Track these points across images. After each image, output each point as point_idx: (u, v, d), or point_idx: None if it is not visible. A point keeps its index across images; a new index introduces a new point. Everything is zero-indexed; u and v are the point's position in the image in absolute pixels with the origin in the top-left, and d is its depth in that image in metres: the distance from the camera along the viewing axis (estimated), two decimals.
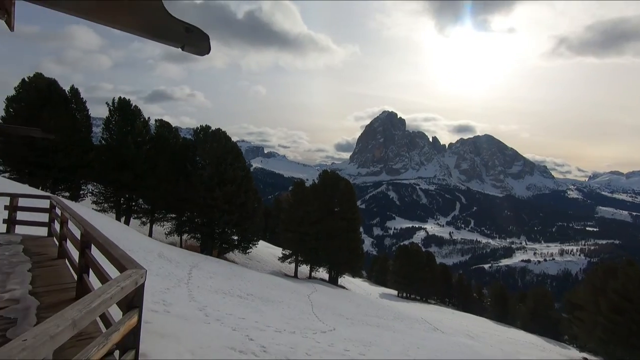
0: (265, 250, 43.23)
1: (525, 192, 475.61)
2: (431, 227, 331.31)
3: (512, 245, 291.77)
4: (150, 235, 30.17)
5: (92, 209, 28.09)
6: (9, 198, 7.76)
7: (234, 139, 36.42)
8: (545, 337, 40.21)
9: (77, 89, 32.20)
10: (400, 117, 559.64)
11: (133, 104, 32.63)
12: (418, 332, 18.84)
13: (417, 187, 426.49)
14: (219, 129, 34.76)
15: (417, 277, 51.84)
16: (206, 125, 35.21)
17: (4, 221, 7.77)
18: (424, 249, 68.18)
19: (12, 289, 4.18)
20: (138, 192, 31.21)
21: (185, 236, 33.31)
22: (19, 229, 7.90)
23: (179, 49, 1.61)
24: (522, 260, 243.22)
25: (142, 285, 2.47)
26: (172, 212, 32.55)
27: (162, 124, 35.24)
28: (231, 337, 7.90)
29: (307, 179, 73.74)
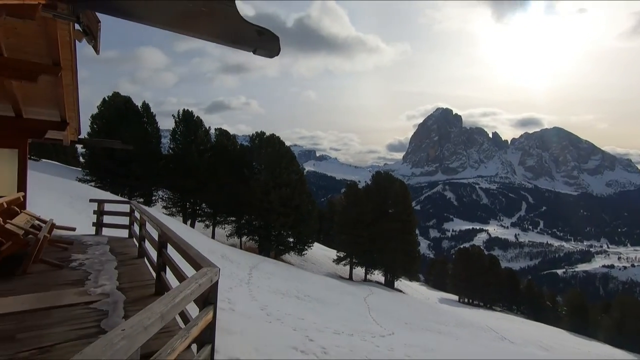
0: (320, 252, 43.68)
1: (605, 189, 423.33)
2: (494, 229, 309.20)
3: (591, 249, 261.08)
4: (213, 237, 32.09)
5: (163, 213, 30.63)
6: (97, 204, 8.75)
7: (287, 143, 37.45)
8: (635, 353, 35.35)
9: (147, 104, 35.46)
10: (456, 114, 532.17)
11: (195, 115, 35.09)
12: (483, 341, 17.64)
13: (477, 186, 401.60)
14: (273, 135, 36.00)
15: (479, 281, 48.71)
16: (261, 132, 36.65)
17: (93, 224, 8.76)
18: (486, 252, 63.90)
19: (103, 284, 4.67)
20: (201, 197, 33.41)
21: (244, 238, 34.88)
22: (105, 231, 8.85)
23: (250, 52, 1.66)
24: (604, 266, 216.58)
25: (216, 283, 2.59)
26: (232, 215, 34.28)
27: (221, 133, 37.38)
28: (292, 337, 8.05)
29: (360, 181, 73.23)
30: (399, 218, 36.27)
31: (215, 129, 37.75)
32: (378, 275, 38.86)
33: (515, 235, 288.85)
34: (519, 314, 53.87)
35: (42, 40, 5.19)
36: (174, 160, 33.19)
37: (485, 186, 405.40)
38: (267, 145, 34.45)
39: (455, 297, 50.87)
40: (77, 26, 4.48)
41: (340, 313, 14.75)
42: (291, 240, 34.35)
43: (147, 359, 1.96)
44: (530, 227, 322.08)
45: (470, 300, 50.93)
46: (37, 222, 6.75)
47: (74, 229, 7.94)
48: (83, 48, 5.39)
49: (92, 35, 4.62)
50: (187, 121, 34.24)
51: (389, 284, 36.71)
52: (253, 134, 37.01)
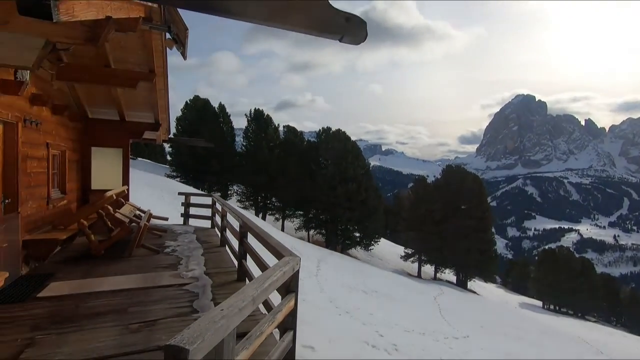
0: (387, 248, 42.93)
1: None
2: (587, 229, 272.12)
3: None
4: (282, 230, 33.53)
5: (237, 206, 32.86)
6: (184, 197, 9.69)
7: (353, 138, 37.38)
8: None
9: (223, 105, 38.24)
10: (539, 100, 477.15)
11: (265, 114, 36.87)
12: (573, 354, 15.72)
13: (565, 180, 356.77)
14: (338, 130, 36.21)
15: (568, 287, 43.41)
16: (327, 127, 37.13)
17: (181, 215, 9.72)
18: (577, 255, 56.62)
19: (192, 269, 5.16)
20: (272, 191, 35.11)
21: (312, 231, 35.81)
22: (191, 222, 9.77)
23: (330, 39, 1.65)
24: None
25: (297, 272, 2.67)
26: (300, 209, 35.42)
27: (289, 130, 38.73)
28: (362, 331, 8.04)
29: (428, 175, 70.02)
30: (472, 215, 33.95)
31: (284, 126, 39.25)
32: (449, 274, 36.93)
33: (615, 237, 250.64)
34: (619, 327, 46.85)
35: (141, 51, 5.84)
36: (246, 157, 35.37)
37: (576, 180, 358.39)
38: (333, 141, 34.79)
39: (539, 303, 46.05)
40: (167, 35, 4.98)
41: (410, 311, 14.34)
42: (357, 235, 34.35)
43: (240, 339, 2.09)
44: (634, 227, 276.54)
45: (558, 308, 45.70)
46: (138, 212, 7.69)
47: (166, 219, 8.89)
48: (169, 56, 5.95)
49: (180, 42, 5.08)
50: (258, 120, 36.15)
51: (461, 284, 34.67)
52: (319, 130, 37.68)
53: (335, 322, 8.23)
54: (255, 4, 1.41)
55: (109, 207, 6.17)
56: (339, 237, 34.06)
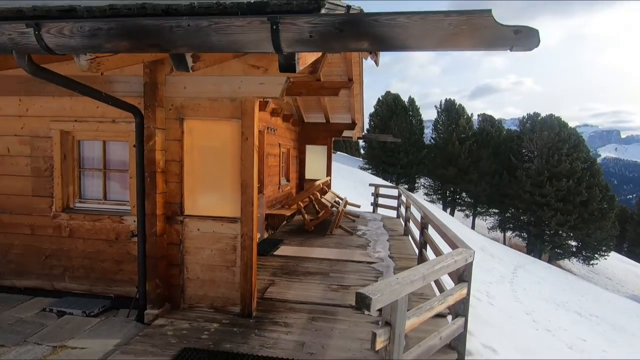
0: (622, 266, 32.73)
1: None
2: None
3: None
4: (472, 227, 31.12)
5: (424, 199, 32.76)
6: (374, 187, 10.77)
7: (573, 124, 30.43)
8: None
9: (412, 98, 38.58)
10: None
11: (457, 103, 34.84)
12: None
13: None
14: (551, 115, 30.19)
15: None
16: (534, 113, 31.64)
17: (371, 204, 10.86)
18: None
19: (379, 252, 5.90)
20: (461, 185, 33.05)
21: (509, 233, 31.61)
22: (379, 211, 10.76)
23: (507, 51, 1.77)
24: None
25: (471, 263, 2.82)
26: (495, 206, 31.84)
27: (485, 119, 35.24)
28: (565, 353, 6.86)
29: None
30: None
31: (478, 115, 36.02)
32: None
33: None
34: None
35: (342, 63, 6.98)
36: (435, 150, 34.58)
37: None
38: (542, 129, 29.22)
39: None
40: None
41: None
42: (573, 244, 27.84)
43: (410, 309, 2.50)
44: None
45: None
46: (337, 198, 9.20)
47: (359, 206, 10.18)
48: (365, 61, 6.82)
49: (374, 52, 5.82)
50: (449, 110, 34.61)
51: None
52: (523, 117, 32.59)
53: (528, 335, 7.34)
54: (428, 38, 1.75)
55: (317, 194, 7.75)
56: (546, 244, 28.55)
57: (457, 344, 2.91)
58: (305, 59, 2.39)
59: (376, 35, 1.74)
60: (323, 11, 1.89)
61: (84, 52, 2.11)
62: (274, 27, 1.78)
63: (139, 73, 3.28)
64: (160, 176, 3.38)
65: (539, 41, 1.68)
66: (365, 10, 2.49)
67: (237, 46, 1.87)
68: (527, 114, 32.54)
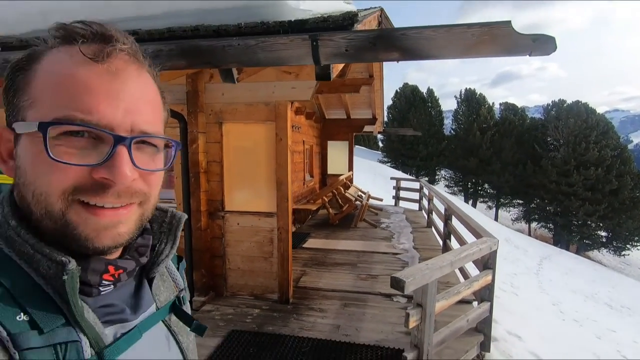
0: None
1: None
2: None
3: None
4: (495, 219, 30.58)
5: (445, 191, 32.39)
6: (395, 181, 10.89)
7: (602, 109, 29.47)
8: None
9: (431, 89, 37.98)
10: None
11: (478, 93, 34.07)
12: None
13: None
14: (577, 102, 29.16)
15: None
16: (560, 100, 30.62)
17: (393, 197, 10.99)
18: None
19: (403, 243, 6.09)
20: (483, 177, 32.45)
21: (534, 224, 30.89)
22: (401, 204, 10.88)
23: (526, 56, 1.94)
24: None
25: (495, 252, 2.99)
26: (519, 197, 31.14)
27: (507, 107, 34.32)
28: (593, 343, 6.88)
29: None
30: None
31: (500, 104, 35.10)
32: None
33: None
34: None
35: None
36: (455, 141, 34.02)
37: None
38: (568, 116, 28.25)
39: None
40: None
41: None
42: (603, 234, 26.96)
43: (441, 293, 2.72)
44: None
45: None
46: (360, 192, 9.40)
47: (381, 200, 10.35)
48: None
49: None
50: (469, 100, 33.92)
51: None
52: (547, 104, 31.55)
53: (555, 325, 7.37)
54: (453, 48, 1.94)
55: (341, 188, 7.98)
56: (574, 235, 27.73)
57: (483, 327, 3.11)
58: (337, 67, 2.62)
59: (405, 47, 1.95)
60: (356, 27, 2.11)
61: None
62: (314, 43, 2.01)
63: (181, 82, 3.59)
64: (203, 176, 3.70)
65: (556, 47, 1.85)
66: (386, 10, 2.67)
67: (281, 61, 2.12)
68: (552, 101, 31.51)
